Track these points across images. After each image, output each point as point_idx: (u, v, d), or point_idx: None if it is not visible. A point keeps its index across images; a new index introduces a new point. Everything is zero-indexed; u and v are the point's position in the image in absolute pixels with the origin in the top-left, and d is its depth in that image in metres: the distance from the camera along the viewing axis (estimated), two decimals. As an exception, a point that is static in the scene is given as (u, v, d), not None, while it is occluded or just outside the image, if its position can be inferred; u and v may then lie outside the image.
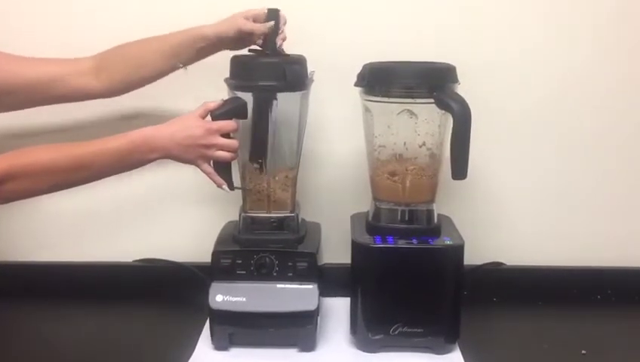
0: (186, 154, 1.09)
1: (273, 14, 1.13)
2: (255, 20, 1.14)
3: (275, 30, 1.13)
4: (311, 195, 1.34)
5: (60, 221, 1.37)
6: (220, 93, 1.15)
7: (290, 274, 1.14)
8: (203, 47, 1.14)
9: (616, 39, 1.30)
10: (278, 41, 1.14)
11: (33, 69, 1.14)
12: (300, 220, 1.22)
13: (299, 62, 1.14)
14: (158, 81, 1.18)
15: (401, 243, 1.12)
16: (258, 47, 1.16)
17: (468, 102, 1.06)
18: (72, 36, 1.28)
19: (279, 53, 1.15)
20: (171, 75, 1.17)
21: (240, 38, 1.14)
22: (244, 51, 1.17)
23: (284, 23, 1.15)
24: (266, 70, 1.12)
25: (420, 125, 1.14)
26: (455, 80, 1.12)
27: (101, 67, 1.15)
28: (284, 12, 1.15)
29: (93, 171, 1.08)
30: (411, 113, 1.13)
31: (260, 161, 1.17)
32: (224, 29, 1.13)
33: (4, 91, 1.12)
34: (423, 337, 1.12)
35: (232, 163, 1.13)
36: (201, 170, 1.12)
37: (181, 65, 1.15)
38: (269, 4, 1.13)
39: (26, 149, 1.04)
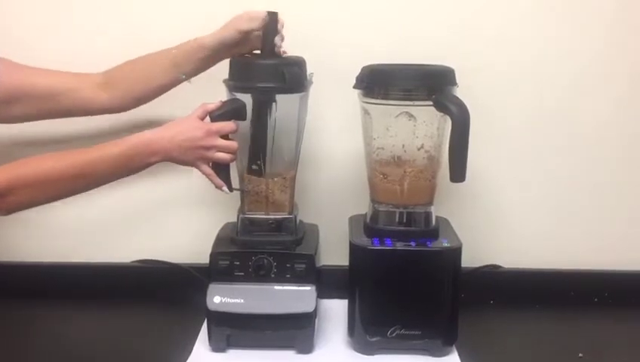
0: (186, 156, 1.09)
1: (272, 17, 1.13)
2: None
3: (273, 32, 1.13)
4: (309, 197, 1.34)
5: (58, 222, 1.37)
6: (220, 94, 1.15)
7: (288, 276, 1.14)
8: (204, 57, 1.15)
9: (617, 41, 1.31)
10: (277, 42, 1.14)
11: (44, 79, 1.15)
12: (298, 222, 1.22)
13: (298, 64, 1.14)
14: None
15: (399, 246, 1.12)
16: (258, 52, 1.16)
17: (466, 104, 1.06)
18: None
19: (278, 55, 1.15)
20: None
21: (241, 41, 1.14)
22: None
23: (282, 26, 1.15)
24: (266, 72, 1.12)
25: (419, 128, 1.15)
26: (454, 83, 1.12)
27: (110, 82, 1.17)
28: (283, 14, 1.14)
29: (94, 179, 1.08)
30: (410, 115, 1.13)
31: (259, 162, 1.17)
32: (224, 34, 1.13)
33: (14, 98, 1.13)
34: (421, 339, 1.13)
35: (231, 164, 1.13)
36: (201, 171, 1.12)
37: (184, 77, 1.16)
38: (269, 7, 1.13)
39: (26, 160, 1.04)
